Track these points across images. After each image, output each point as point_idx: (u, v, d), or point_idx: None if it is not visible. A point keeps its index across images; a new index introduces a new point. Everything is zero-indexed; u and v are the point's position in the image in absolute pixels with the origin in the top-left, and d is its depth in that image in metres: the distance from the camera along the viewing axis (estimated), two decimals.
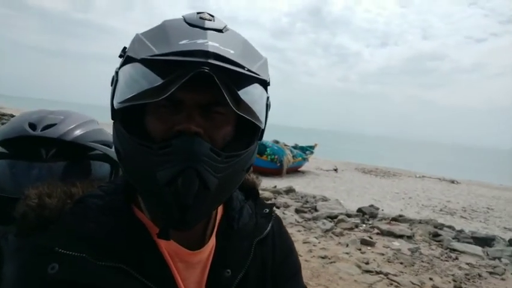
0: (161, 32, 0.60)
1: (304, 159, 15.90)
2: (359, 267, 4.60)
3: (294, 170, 15.36)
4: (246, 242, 0.73)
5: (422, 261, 5.04)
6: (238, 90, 0.59)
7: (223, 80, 0.55)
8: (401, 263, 4.90)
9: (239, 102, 0.59)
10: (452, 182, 17.88)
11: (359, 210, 7.66)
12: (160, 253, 0.65)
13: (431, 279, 4.47)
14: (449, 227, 7.19)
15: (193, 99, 0.59)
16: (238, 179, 0.66)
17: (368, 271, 4.51)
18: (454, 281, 4.48)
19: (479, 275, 4.74)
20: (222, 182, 0.60)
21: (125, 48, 0.65)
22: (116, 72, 0.65)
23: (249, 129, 0.67)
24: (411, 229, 6.49)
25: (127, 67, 0.61)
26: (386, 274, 4.46)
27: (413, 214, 9.06)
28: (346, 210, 7.68)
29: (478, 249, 5.72)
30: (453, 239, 6.19)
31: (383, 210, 8.66)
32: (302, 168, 16.21)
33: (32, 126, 1.02)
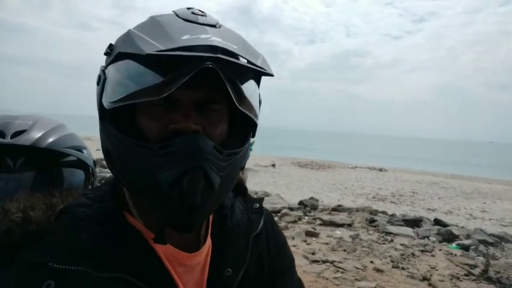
0: (157, 27, 0.57)
1: None
2: (307, 258, 4.77)
3: None
4: (242, 239, 0.73)
5: (363, 247, 5.36)
6: (242, 85, 0.58)
7: (227, 76, 0.54)
8: (344, 250, 5.18)
9: (242, 98, 0.58)
10: (381, 170, 19.24)
11: (301, 203, 7.93)
12: (159, 259, 0.62)
13: (372, 262, 4.79)
14: (383, 212, 7.73)
15: (189, 97, 0.57)
16: (236, 177, 0.65)
17: (315, 261, 4.70)
18: (392, 261, 4.84)
19: (413, 254, 5.17)
20: (223, 180, 0.58)
21: (111, 45, 0.62)
22: (103, 71, 0.61)
23: (242, 126, 0.66)
24: (350, 217, 6.87)
25: (119, 64, 0.58)
26: (332, 262, 4.68)
27: (349, 203, 9.60)
28: (288, 204, 7.90)
29: (409, 231, 6.23)
30: (387, 223, 6.67)
31: (322, 201, 9.06)
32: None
33: (0, 133, 0.92)
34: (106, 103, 0.59)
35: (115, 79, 0.58)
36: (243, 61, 0.56)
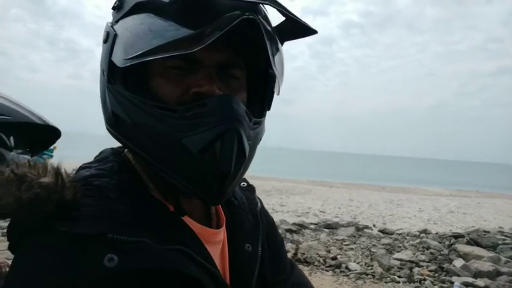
0: None
1: None
2: None
3: None
4: (250, 215, 0.71)
5: None
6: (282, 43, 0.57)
7: (267, 31, 0.52)
8: None
9: (276, 59, 0.55)
10: None
11: None
12: (195, 233, 0.57)
13: None
14: None
15: (213, 59, 0.53)
16: (255, 152, 0.61)
17: None
18: None
19: None
20: (251, 150, 0.55)
21: None
22: (112, 27, 0.54)
23: (258, 97, 0.63)
24: None
25: (137, 17, 0.51)
26: None
27: None
28: None
29: None
30: None
31: None
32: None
33: None
34: (118, 60, 0.51)
35: (132, 33, 0.50)
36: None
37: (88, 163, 0.59)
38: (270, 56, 0.53)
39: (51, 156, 16.59)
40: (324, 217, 9.25)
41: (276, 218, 8.92)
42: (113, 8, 0.56)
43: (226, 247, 0.64)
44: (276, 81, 0.60)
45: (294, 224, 7.51)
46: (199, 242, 0.57)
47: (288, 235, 6.62)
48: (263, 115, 0.62)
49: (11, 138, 0.93)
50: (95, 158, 0.62)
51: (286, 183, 18.61)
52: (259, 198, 0.80)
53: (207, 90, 0.51)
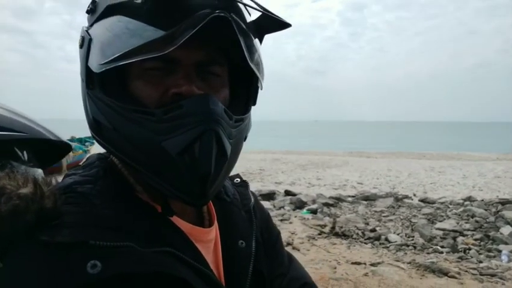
0: None
1: (86, 152, 14.62)
2: None
3: (76, 165, 13.91)
4: (243, 211, 0.72)
5: None
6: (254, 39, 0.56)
7: (239, 28, 0.51)
8: None
9: (252, 55, 0.55)
10: None
11: None
12: (185, 234, 0.57)
13: None
14: None
15: (190, 57, 0.53)
16: (241, 149, 0.61)
17: None
18: None
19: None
20: (233, 149, 0.55)
21: (94, 1, 0.54)
22: (87, 31, 0.53)
23: (242, 91, 0.63)
24: None
25: (109, 21, 0.51)
26: None
27: None
28: None
29: (267, 204, 6.80)
30: None
31: None
32: (84, 161, 14.91)
33: None
34: (94, 66, 0.50)
35: (105, 37, 0.50)
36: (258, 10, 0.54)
37: (74, 170, 0.60)
38: (245, 53, 0.52)
39: (93, 143, 17.29)
40: (362, 189, 9.11)
41: (313, 192, 8.90)
42: (88, 12, 0.56)
43: (218, 245, 0.64)
44: (259, 76, 0.59)
45: (330, 197, 7.45)
46: (189, 242, 0.57)
47: (325, 209, 6.58)
48: (248, 111, 0.62)
49: (25, 153, 0.97)
50: (81, 164, 0.63)
51: (323, 156, 18.45)
52: (253, 193, 0.80)
53: (185, 91, 0.50)
